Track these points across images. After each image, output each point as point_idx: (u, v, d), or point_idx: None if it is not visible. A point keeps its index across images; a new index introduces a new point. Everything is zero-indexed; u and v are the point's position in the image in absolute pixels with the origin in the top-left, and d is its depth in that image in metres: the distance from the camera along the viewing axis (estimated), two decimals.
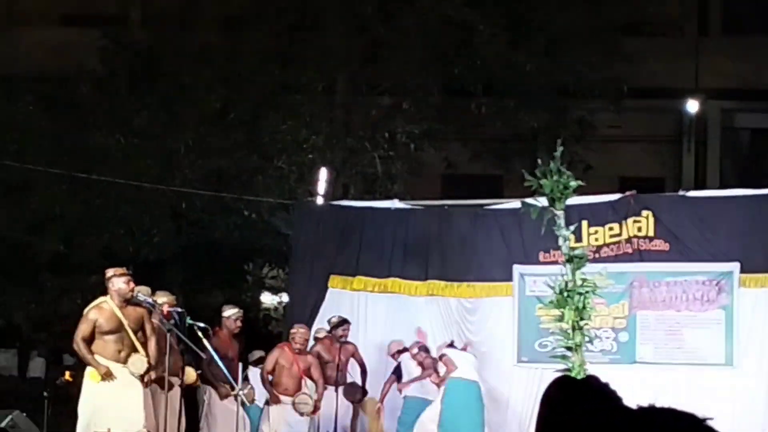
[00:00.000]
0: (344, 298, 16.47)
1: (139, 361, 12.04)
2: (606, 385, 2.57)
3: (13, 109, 22.02)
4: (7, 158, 21.65)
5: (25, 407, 16.28)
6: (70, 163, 21.14)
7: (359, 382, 15.37)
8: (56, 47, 25.46)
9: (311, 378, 14.60)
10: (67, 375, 14.49)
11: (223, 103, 21.75)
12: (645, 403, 2.53)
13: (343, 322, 15.26)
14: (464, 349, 15.40)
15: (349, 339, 15.32)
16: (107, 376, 11.91)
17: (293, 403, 14.33)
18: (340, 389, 14.88)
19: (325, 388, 14.64)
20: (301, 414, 14.36)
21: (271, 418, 14.30)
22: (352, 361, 15.38)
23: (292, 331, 14.77)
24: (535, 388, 14.59)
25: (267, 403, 14.40)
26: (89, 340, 12.07)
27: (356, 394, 15.03)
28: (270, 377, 14.39)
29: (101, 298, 12.31)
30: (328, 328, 15.41)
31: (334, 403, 14.65)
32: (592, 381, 2.58)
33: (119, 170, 20.69)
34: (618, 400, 2.53)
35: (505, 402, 15.50)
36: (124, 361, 12.03)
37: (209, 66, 22.07)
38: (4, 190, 22.73)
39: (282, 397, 14.30)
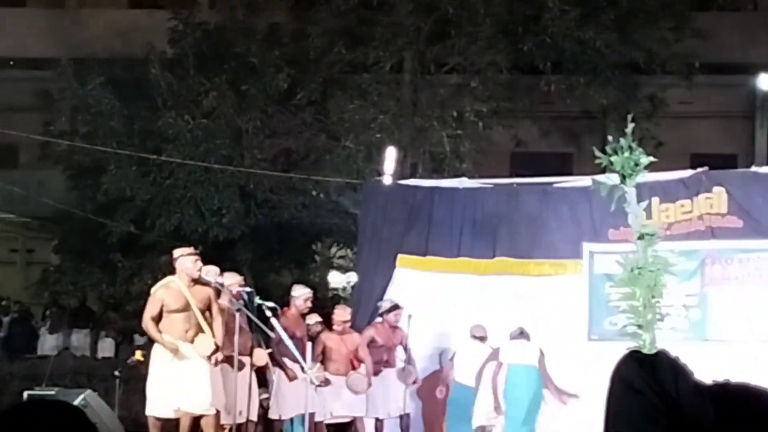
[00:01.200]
0: (413, 278, 16.41)
1: (206, 342, 12.11)
2: (677, 360, 2.50)
3: (84, 91, 22.21)
4: (78, 140, 21.89)
5: (97, 387, 16.46)
6: (141, 145, 21.35)
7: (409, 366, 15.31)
8: (126, 29, 25.64)
9: (359, 357, 14.71)
10: (138, 354, 14.57)
11: (290, 83, 21.80)
12: (718, 380, 2.47)
13: (395, 307, 15.24)
14: (521, 333, 15.14)
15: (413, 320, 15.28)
16: (175, 353, 11.99)
17: (347, 383, 14.44)
18: (395, 371, 14.91)
19: (380, 371, 14.73)
20: (356, 392, 14.46)
21: (326, 397, 14.37)
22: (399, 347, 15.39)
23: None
24: (606, 365, 14.47)
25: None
26: (157, 320, 12.16)
27: (410, 378, 15.01)
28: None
29: (169, 278, 12.40)
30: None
31: (391, 385, 14.71)
32: (663, 356, 2.51)
33: (189, 151, 20.86)
34: (690, 374, 2.46)
35: (577, 379, 15.39)
36: (191, 341, 12.11)
37: (277, 46, 22.14)
38: (76, 171, 22.99)
39: (335, 377, 14.38)
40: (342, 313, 15.04)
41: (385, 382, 14.79)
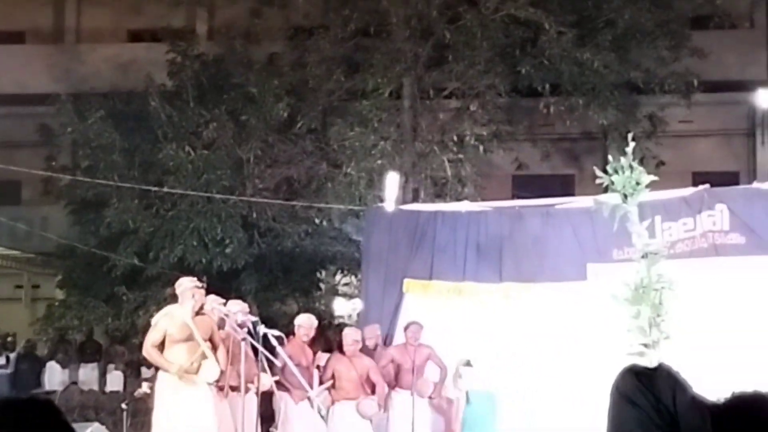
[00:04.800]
0: (420, 303, 16.41)
1: (211, 368, 12.10)
2: (676, 374, 2.50)
3: (85, 126, 22.27)
4: (80, 174, 21.94)
5: (105, 420, 16.44)
6: (142, 177, 21.39)
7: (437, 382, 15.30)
8: (124, 63, 25.76)
9: (370, 382, 14.68)
10: (146, 387, 14.56)
11: (290, 112, 21.85)
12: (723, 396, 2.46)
13: (409, 324, 15.26)
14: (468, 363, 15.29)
15: (426, 343, 15.27)
16: (181, 375, 11.97)
17: (357, 407, 14.40)
18: (403, 393, 14.90)
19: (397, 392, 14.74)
20: (366, 418, 14.42)
21: (335, 422, 14.34)
22: (431, 363, 15.33)
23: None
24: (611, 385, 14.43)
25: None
26: (160, 349, 12.15)
27: (425, 389, 14.96)
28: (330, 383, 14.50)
29: (170, 307, 12.42)
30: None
31: (410, 407, 14.64)
32: (661, 369, 2.51)
33: (190, 182, 20.89)
34: (688, 388, 2.46)
35: (582, 398, 15.36)
36: (195, 371, 12.09)
37: (276, 76, 22.20)
38: (78, 206, 23.02)
39: (345, 402, 14.35)
40: (352, 334, 14.96)
41: (406, 406, 14.74)
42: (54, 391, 22.46)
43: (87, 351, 25.71)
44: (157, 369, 12.54)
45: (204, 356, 12.15)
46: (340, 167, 21.59)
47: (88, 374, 25.42)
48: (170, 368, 12.04)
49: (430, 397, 15.07)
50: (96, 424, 14.26)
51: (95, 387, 24.62)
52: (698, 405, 2.39)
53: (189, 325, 12.16)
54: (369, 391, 14.75)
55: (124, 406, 16.86)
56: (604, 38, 21.43)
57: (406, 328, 15.27)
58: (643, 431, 2.37)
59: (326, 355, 15.13)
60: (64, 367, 25.16)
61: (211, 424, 12.05)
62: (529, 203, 17.31)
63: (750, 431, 2.31)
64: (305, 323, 14.59)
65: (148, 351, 12.22)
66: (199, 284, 12.57)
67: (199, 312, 12.31)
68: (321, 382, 14.38)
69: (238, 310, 13.12)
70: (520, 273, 16.12)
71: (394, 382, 15.03)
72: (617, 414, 2.50)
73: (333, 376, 14.59)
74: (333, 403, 14.40)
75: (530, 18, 21.18)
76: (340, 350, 14.89)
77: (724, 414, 2.36)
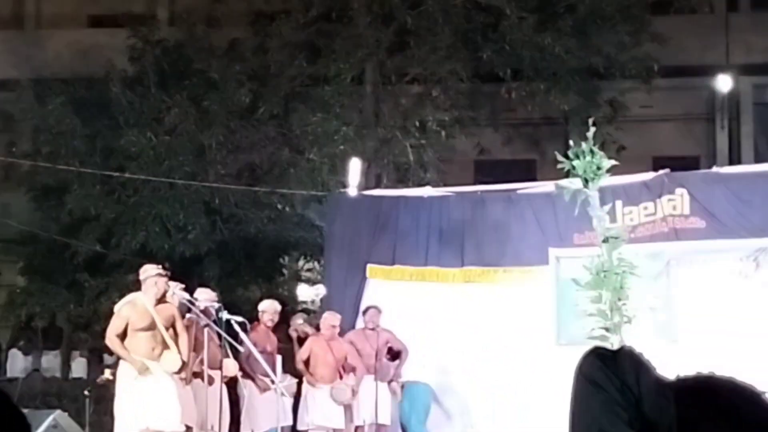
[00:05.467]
0: (382, 288, 16.45)
1: (172, 359, 12.09)
2: (640, 355, 2.53)
3: (45, 111, 22.13)
4: (41, 160, 21.80)
5: (67, 407, 16.37)
6: (104, 163, 21.28)
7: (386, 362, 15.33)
8: (85, 49, 25.57)
9: (349, 366, 14.72)
10: (108, 374, 14.52)
11: (252, 98, 21.79)
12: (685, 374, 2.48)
13: (367, 309, 15.32)
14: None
15: (387, 328, 15.33)
16: (142, 370, 11.96)
17: (331, 393, 14.43)
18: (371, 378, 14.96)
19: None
20: (340, 403, 14.45)
21: (308, 406, 14.37)
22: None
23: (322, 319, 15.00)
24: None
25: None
26: (122, 338, 12.14)
27: (386, 375, 15.01)
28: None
29: (132, 295, 12.40)
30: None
31: (373, 392, 14.69)
32: (625, 351, 2.54)
33: (152, 168, 20.80)
34: (652, 369, 2.49)
35: (546, 385, 15.46)
36: (158, 358, 12.09)
37: (238, 61, 22.14)
38: (39, 192, 22.90)
39: (319, 386, 14.38)
40: (331, 318, 14.98)
41: (368, 390, 14.78)
42: (16, 378, 22.37)
43: (49, 338, 25.61)
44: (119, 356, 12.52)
45: (166, 345, 12.15)
46: (303, 153, 21.57)
47: (50, 361, 25.33)
48: (132, 363, 12.03)
49: (390, 381, 15.12)
50: (58, 412, 14.20)
51: (58, 374, 24.52)
52: (662, 386, 2.42)
53: (151, 313, 12.15)
54: (344, 375, 14.79)
55: (86, 393, 16.81)
56: (565, 23, 21.47)
57: (364, 313, 15.36)
58: (608, 414, 2.39)
59: (302, 315, 15.14)
60: (26, 354, 25.05)
61: (174, 410, 12.04)
62: (491, 188, 17.37)
63: (712, 412, 2.34)
64: (269, 308, 14.62)
65: (111, 340, 12.20)
66: (163, 271, 12.54)
67: (162, 299, 12.30)
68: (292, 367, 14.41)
69: (205, 297, 13.12)
70: (482, 257, 16.20)
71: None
72: (580, 396, 2.52)
73: (308, 359, 14.63)
74: (301, 386, 14.43)
75: (491, 3, 21.22)
76: (317, 334, 14.94)
77: (686, 395, 2.39)
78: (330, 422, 14.61)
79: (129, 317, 12.15)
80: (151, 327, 12.14)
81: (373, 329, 15.08)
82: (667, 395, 2.38)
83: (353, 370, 14.84)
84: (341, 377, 14.68)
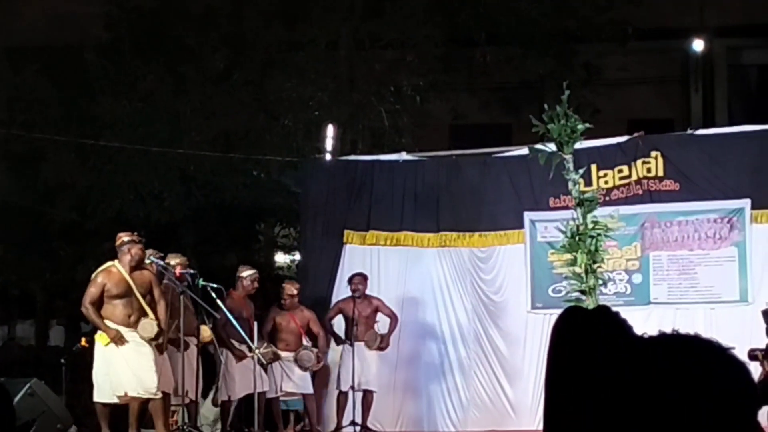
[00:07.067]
0: (358, 253, 16.47)
1: (149, 326, 12.10)
2: (616, 314, 2.56)
3: (19, 79, 22.02)
4: (15, 129, 21.69)
5: (44, 376, 16.35)
6: (79, 131, 21.18)
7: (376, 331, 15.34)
8: (60, 16, 25.36)
9: (312, 332, 14.80)
10: (83, 341, 14.53)
11: (227, 64, 21.70)
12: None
13: (352, 276, 15.32)
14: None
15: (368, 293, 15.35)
16: (117, 339, 11.98)
17: (295, 359, 14.50)
18: (363, 343, 14.96)
19: (347, 343, 14.80)
20: (305, 369, 14.53)
21: (274, 373, 14.43)
22: (381, 315, 15.36)
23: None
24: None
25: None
26: (98, 305, 12.13)
27: (372, 342, 15.03)
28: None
29: (109, 263, 12.39)
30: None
31: (361, 358, 14.73)
32: (601, 310, 2.57)
33: (127, 135, 20.70)
34: (629, 328, 2.51)
35: (521, 348, 15.54)
36: (134, 326, 12.10)
37: (213, 27, 22.02)
38: (14, 160, 22.79)
39: (283, 353, 14.44)
40: (290, 288, 15.07)
41: (349, 356, 14.82)
42: None
43: (24, 307, 25.58)
44: None
45: (143, 312, 12.16)
46: (278, 119, 21.51)
47: (25, 330, 25.32)
48: (107, 332, 12.04)
49: (380, 348, 15.14)
50: (34, 380, 14.16)
51: (33, 343, 24.51)
52: (638, 343, 2.45)
53: (127, 280, 12.15)
54: (309, 342, 14.88)
55: (62, 360, 16.80)
56: None
57: (349, 280, 15.32)
58: (583, 372, 2.42)
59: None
60: (2, 323, 25.03)
61: (151, 376, 12.06)
62: (467, 153, 17.39)
63: (692, 367, 2.36)
64: (252, 275, 14.61)
65: (87, 308, 12.21)
66: (137, 238, 12.53)
67: (138, 266, 12.29)
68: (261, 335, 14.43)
69: (177, 262, 13.13)
70: (457, 222, 16.22)
71: (346, 335, 15.11)
72: (557, 356, 2.55)
73: (273, 329, 14.72)
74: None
75: None
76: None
77: (656, 351, 2.41)
78: (300, 389, 14.70)
79: (105, 284, 12.15)
80: (128, 294, 12.15)
81: (360, 297, 15.09)
82: (645, 353, 2.40)
83: (316, 336, 14.92)
84: (304, 344, 14.78)
